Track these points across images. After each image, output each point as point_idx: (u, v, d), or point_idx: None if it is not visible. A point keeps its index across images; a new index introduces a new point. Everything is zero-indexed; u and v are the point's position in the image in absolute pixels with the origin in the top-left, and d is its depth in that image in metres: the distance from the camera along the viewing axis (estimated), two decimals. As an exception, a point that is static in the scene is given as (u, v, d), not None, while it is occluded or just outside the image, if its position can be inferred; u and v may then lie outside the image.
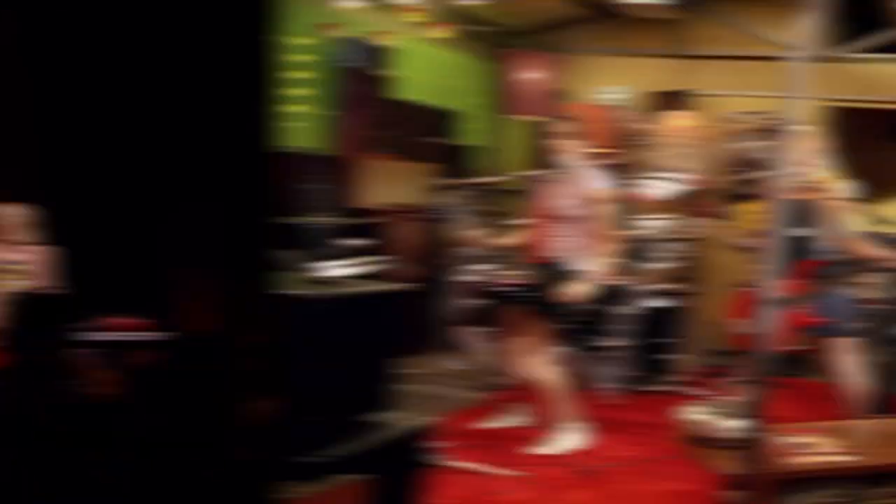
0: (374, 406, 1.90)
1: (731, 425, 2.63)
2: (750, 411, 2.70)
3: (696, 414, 2.71)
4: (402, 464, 1.89)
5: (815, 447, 2.54)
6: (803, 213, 3.57)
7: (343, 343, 1.79)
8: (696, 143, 5.83)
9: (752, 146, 6.14)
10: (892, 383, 4.26)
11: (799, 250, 3.54)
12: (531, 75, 6.35)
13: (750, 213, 6.12)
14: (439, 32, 5.96)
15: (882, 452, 2.52)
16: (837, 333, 3.53)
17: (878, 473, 2.53)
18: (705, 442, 2.65)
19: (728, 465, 2.46)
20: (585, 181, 3.80)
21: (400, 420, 1.91)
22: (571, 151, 3.82)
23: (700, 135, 5.80)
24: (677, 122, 5.90)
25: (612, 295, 5.08)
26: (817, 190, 3.54)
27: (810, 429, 2.77)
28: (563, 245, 3.77)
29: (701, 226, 5.86)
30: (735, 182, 6.22)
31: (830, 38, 5.95)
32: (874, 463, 2.44)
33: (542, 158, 3.91)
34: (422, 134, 5.97)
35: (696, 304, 6.16)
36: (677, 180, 6.63)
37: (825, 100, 5.85)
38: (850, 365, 3.53)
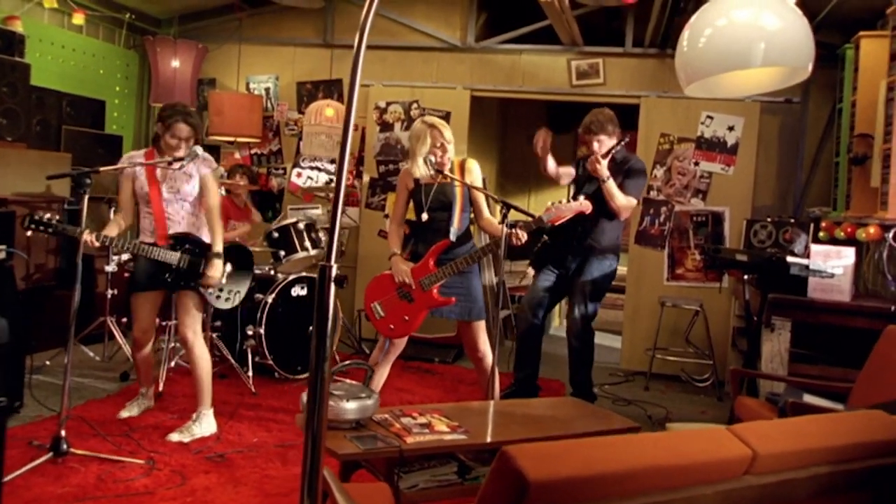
0: None
1: (347, 407, 2.66)
2: (369, 394, 2.78)
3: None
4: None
5: (432, 427, 2.68)
6: (443, 196, 3.76)
7: None
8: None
9: (402, 135, 6.44)
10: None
11: (439, 233, 3.74)
12: (174, 63, 6.15)
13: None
14: (76, 18, 5.85)
15: (489, 432, 2.74)
16: (474, 316, 3.76)
17: (485, 451, 2.76)
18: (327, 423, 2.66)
19: (344, 445, 2.49)
20: (201, 167, 3.82)
21: None
22: (188, 138, 3.75)
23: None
24: (325, 110, 5.97)
25: (259, 283, 5.03)
26: (455, 174, 3.72)
27: (431, 410, 2.92)
28: (183, 224, 3.81)
29: (345, 214, 6.04)
30: (385, 171, 6.48)
31: (484, 29, 6.49)
32: (480, 442, 2.65)
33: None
34: (57, 121, 5.67)
35: (347, 292, 6.35)
36: (325, 169, 6.74)
37: (477, 90, 6.38)
38: (486, 345, 3.79)
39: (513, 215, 3.58)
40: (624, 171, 4.48)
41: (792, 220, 5.37)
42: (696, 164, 5.88)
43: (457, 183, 3.74)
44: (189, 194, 3.78)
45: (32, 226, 3.25)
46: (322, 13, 6.60)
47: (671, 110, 5.92)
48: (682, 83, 2.60)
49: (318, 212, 6.69)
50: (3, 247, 3.82)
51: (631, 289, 6.08)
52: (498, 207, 3.51)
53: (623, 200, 4.42)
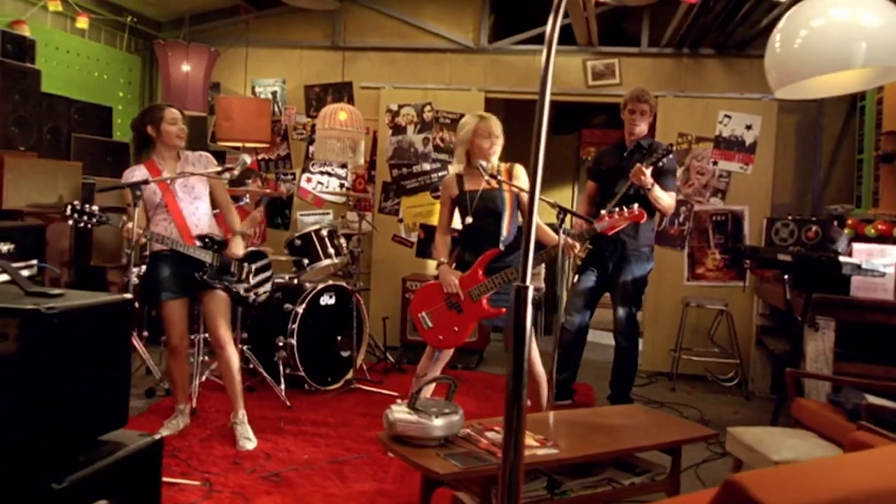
0: (105, 424, 1.44)
1: (435, 424, 2.57)
2: (455, 409, 2.69)
3: (400, 413, 2.61)
4: (135, 484, 1.46)
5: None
6: (490, 203, 3.67)
7: (77, 358, 1.32)
8: (355, 136, 5.79)
9: (415, 138, 6.34)
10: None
11: (487, 241, 3.66)
12: (185, 67, 5.89)
13: (413, 207, 6.38)
14: (80, 22, 5.63)
15: (577, 444, 2.67)
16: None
17: (575, 465, 2.69)
18: (411, 441, 2.57)
19: (442, 464, 2.40)
20: (194, 159, 3.82)
21: (127, 438, 1.47)
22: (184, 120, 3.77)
23: (357, 127, 5.78)
24: (339, 114, 5.82)
25: (284, 293, 4.91)
26: (503, 180, 3.65)
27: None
28: (202, 225, 3.79)
29: (364, 220, 5.91)
30: (398, 175, 6.38)
31: (492, 30, 6.41)
32: (574, 455, 2.58)
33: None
34: (67, 129, 5.43)
35: (365, 299, 6.23)
36: (336, 174, 6.61)
37: (492, 91, 6.31)
38: (535, 352, 3.72)
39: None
40: (659, 167, 4.46)
41: (814, 218, 5.39)
42: (715, 163, 5.87)
43: (505, 189, 3.66)
44: (202, 192, 3.77)
45: (75, 215, 3.12)
46: (330, 15, 6.47)
47: (689, 110, 5.91)
48: (772, 84, 2.55)
49: (329, 217, 6.58)
50: (35, 261, 3.65)
51: (651, 289, 6.04)
52: (555, 213, 3.43)
53: (669, 201, 4.42)
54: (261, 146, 6.50)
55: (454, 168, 3.77)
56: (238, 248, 3.83)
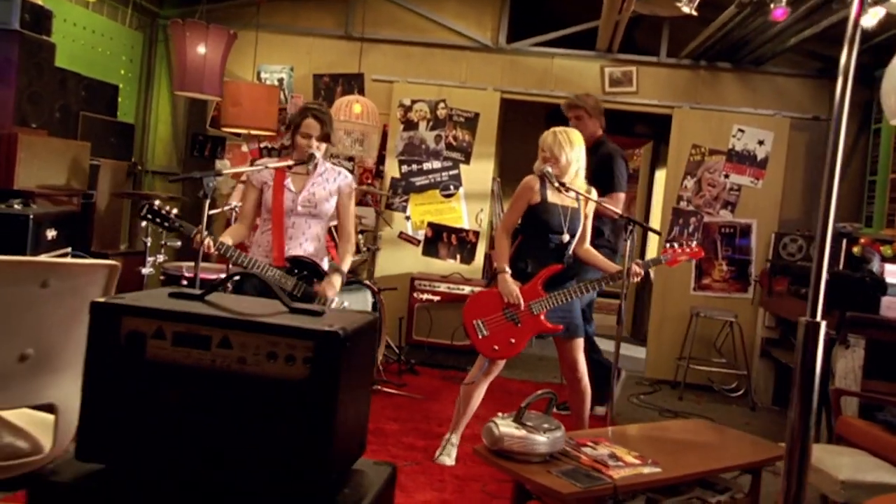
0: (356, 452, 1.33)
1: (540, 440, 2.51)
2: (557, 425, 2.64)
3: (506, 427, 2.54)
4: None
5: (622, 459, 2.56)
6: (575, 223, 3.62)
7: (350, 381, 1.20)
8: (367, 130, 5.63)
9: (426, 135, 6.24)
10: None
11: (554, 256, 3.62)
12: (201, 50, 5.52)
13: (421, 204, 6.28)
14: None
15: (673, 463, 2.65)
16: (574, 332, 3.66)
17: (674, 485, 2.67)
18: (514, 456, 2.50)
19: (559, 483, 2.34)
20: (332, 174, 3.56)
21: (366, 466, 1.36)
22: (319, 136, 3.46)
23: (371, 121, 5.62)
24: (354, 106, 5.66)
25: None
26: (582, 203, 3.60)
27: (596, 437, 2.80)
28: (305, 246, 3.48)
29: (381, 216, 5.80)
30: (408, 171, 6.27)
31: (508, 31, 6.35)
32: (677, 475, 2.55)
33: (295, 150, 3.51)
34: (76, 107, 5.13)
35: (378, 299, 6.08)
36: (343, 166, 6.45)
37: (508, 92, 6.25)
38: (584, 365, 3.70)
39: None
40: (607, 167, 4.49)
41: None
42: (727, 176, 5.96)
43: (582, 209, 3.63)
44: (326, 214, 3.51)
45: (149, 216, 2.92)
46: (345, 4, 6.30)
47: (703, 122, 5.97)
48: (889, 110, 2.57)
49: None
50: (69, 249, 3.44)
51: (657, 298, 6.11)
52: (630, 227, 3.41)
53: (616, 207, 4.24)
54: (266, 134, 6.29)
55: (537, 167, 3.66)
56: (331, 287, 3.40)
